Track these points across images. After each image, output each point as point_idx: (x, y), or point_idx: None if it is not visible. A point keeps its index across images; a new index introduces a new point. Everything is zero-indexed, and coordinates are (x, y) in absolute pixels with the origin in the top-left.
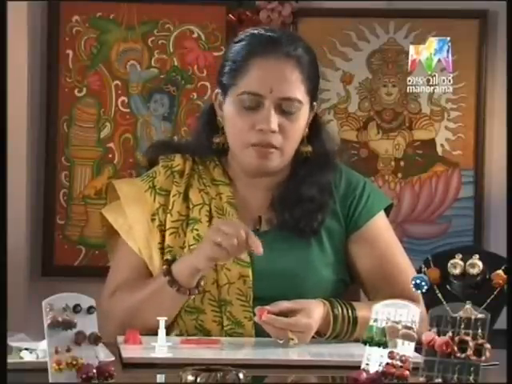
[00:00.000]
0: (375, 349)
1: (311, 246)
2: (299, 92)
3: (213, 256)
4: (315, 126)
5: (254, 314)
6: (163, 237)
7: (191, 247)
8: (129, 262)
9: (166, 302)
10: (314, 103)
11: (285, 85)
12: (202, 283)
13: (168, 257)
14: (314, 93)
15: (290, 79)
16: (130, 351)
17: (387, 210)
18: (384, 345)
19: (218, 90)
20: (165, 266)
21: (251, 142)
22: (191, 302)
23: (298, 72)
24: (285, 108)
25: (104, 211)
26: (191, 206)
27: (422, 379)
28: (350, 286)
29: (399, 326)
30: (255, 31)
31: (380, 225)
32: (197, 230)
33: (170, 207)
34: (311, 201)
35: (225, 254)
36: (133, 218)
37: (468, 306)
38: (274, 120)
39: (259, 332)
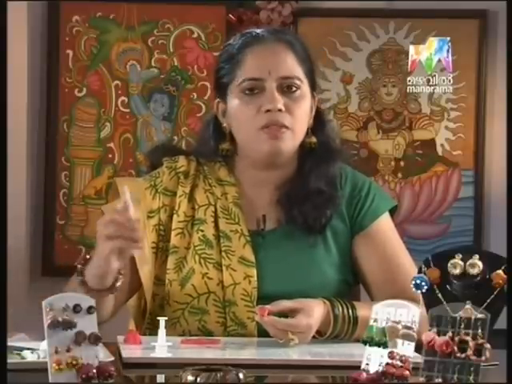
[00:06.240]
0: (375, 349)
1: (316, 245)
2: (297, 70)
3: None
4: (319, 119)
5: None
6: (160, 236)
7: (196, 248)
8: None
9: None
10: (315, 94)
11: (282, 64)
12: (118, 285)
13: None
14: (311, 78)
15: (286, 59)
16: (130, 351)
17: (392, 212)
18: (384, 345)
19: (217, 100)
20: (79, 266)
21: (261, 125)
22: (195, 303)
23: (292, 53)
24: (286, 88)
25: (103, 207)
26: (196, 207)
27: (421, 379)
28: (353, 286)
29: (399, 326)
30: (245, 31)
31: (385, 226)
32: (202, 230)
33: (176, 208)
34: (319, 193)
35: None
36: None
37: (468, 305)
38: (279, 99)
39: (261, 333)
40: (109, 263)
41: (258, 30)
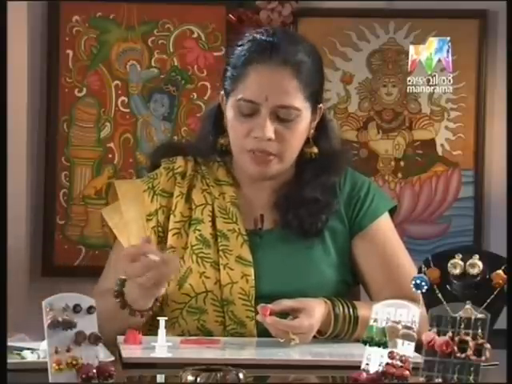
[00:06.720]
0: (375, 349)
1: (314, 245)
2: (296, 100)
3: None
4: (322, 127)
5: (257, 313)
6: (159, 238)
7: (193, 247)
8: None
9: (119, 321)
10: (320, 105)
11: (281, 93)
12: (158, 304)
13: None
14: (316, 96)
15: (286, 87)
16: (130, 351)
17: (392, 212)
18: (384, 345)
19: (222, 93)
20: (116, 288)
21: (247, 149)
22: (193, 302)
23: (296, 79)
24: (281, 115)
25: (102, 210)
26: (194, 207)
27: (421, 379)
28: (353, 287)
29: (399, 326)
30: (257, 35)
31: (384, 226)
32: (199, 230)
33: (173, 208)
34: (315, 202)
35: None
36: (128, 217)
37: (468, 305)
38: (270, 128)
39: (261, 331)
40: (149, 293)
41: (268, 39)
